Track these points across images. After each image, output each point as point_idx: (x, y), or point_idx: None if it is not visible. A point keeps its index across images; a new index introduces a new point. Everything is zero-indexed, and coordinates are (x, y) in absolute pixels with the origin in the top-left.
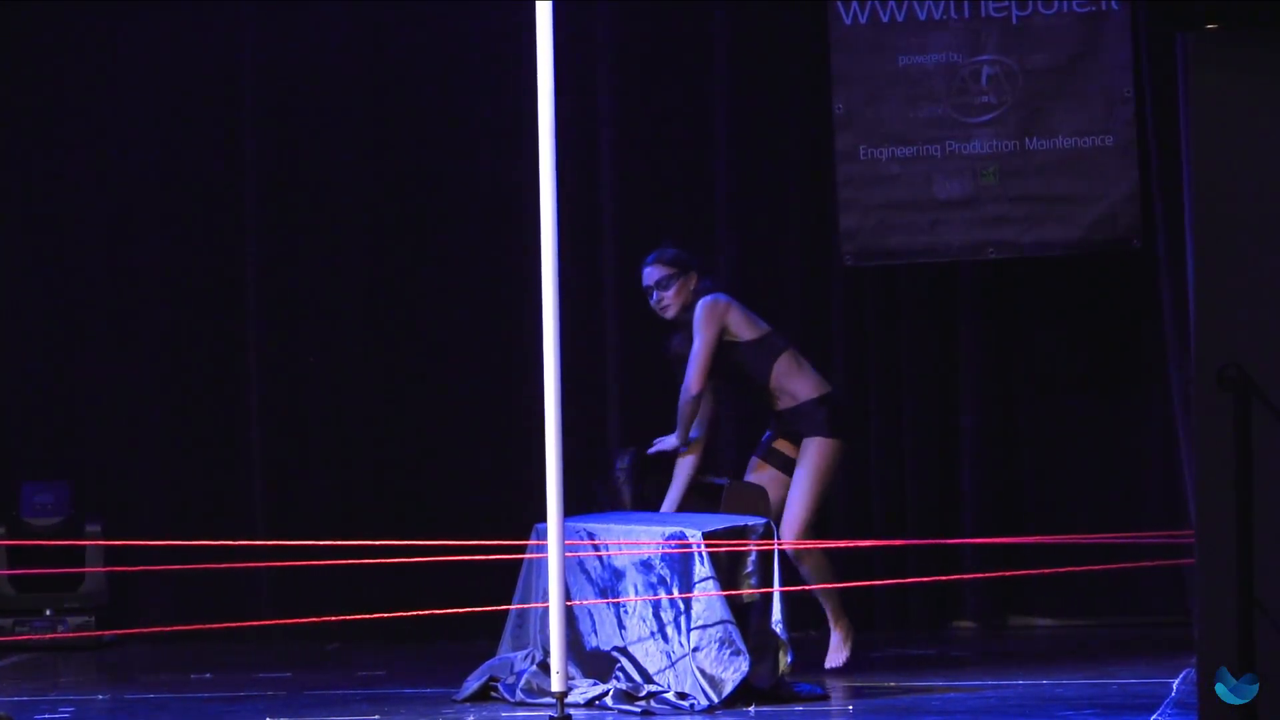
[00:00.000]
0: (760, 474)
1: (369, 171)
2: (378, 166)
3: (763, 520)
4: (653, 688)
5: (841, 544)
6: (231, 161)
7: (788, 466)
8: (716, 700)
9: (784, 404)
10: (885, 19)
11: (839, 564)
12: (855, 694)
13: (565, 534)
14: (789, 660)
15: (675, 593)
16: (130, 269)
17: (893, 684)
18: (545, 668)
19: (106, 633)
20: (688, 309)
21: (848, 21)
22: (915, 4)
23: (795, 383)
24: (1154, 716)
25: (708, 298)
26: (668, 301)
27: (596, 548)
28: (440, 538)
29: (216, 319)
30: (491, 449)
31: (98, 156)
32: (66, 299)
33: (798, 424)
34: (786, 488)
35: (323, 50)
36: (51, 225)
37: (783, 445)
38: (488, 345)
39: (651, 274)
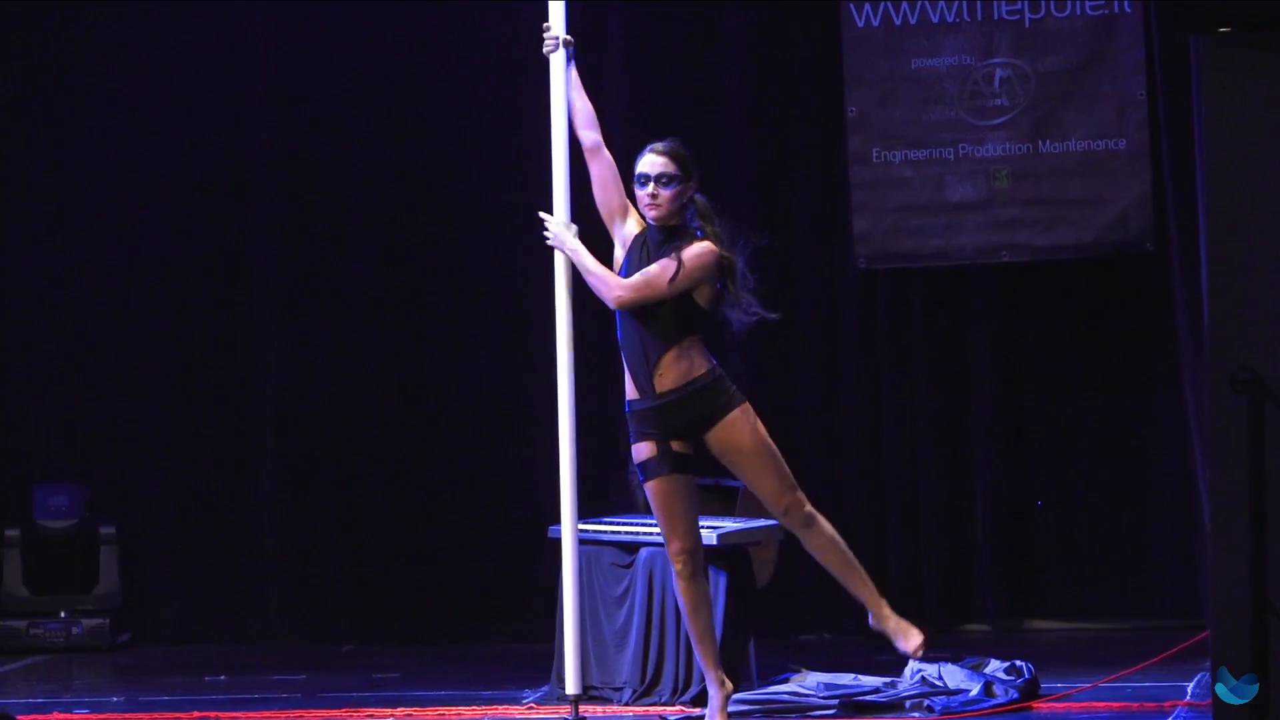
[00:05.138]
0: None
1: (381, 168)
2: (390, 163)
3: (774, 523)
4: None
5: None
6: (243, 160)
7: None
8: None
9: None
10: (898, 21)
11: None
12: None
13: None
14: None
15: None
16: (142, 270)
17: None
18: None
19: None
20: (673, 218)
21: (860, 24)
22: (928, 6)
23: None
24: (1169, 719)
25: (707, 247)
26: (662, 200)
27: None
28: (453, 540)
29: (229, 321)
30: (504, 450)
31: (109, 156)
32: (78, 300)
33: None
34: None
35: (334, 46)
36: (62, 227)
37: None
38: (501, 345)
39: (654, 164)
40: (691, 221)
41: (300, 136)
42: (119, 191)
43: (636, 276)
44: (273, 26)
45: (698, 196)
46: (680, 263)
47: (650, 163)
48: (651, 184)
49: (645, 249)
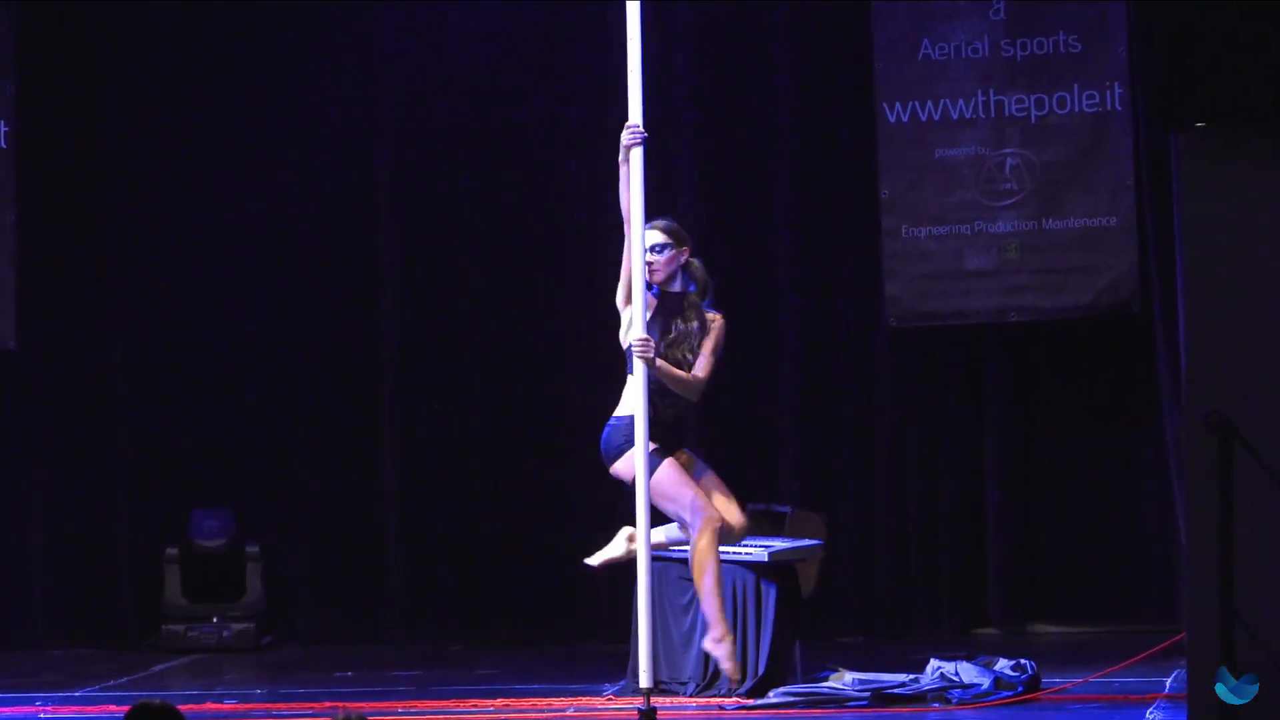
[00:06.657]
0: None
1: (496, 190)
2: (500, 180)
3: (818, 542)
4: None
5: None
6: (368, 197)
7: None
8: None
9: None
10: (924, 118)
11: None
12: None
13: None
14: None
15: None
16: (277, 313)
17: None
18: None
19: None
20: (672, 280)
21: (892, 120)
22: (949, 105)
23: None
24: (1150, 710)
25: (720, 324)
26: (658, 265)
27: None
28: (548, 557)
29: (353, 361)
30: (592, 478)
31: (251, 190)
32: (227, 344)
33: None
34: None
35: (449, 69)
36: (210, 267)
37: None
38: (591, 379)
39: (650, 236)
40: (689, 285)
41: (424, 166)
42: (257, 224)
43: (702, 379)
44: (396, 58)
45: (693, 260)
46: (715, 359)
47: (648, 235)
48: (648, 252)
49: (663, 318)
